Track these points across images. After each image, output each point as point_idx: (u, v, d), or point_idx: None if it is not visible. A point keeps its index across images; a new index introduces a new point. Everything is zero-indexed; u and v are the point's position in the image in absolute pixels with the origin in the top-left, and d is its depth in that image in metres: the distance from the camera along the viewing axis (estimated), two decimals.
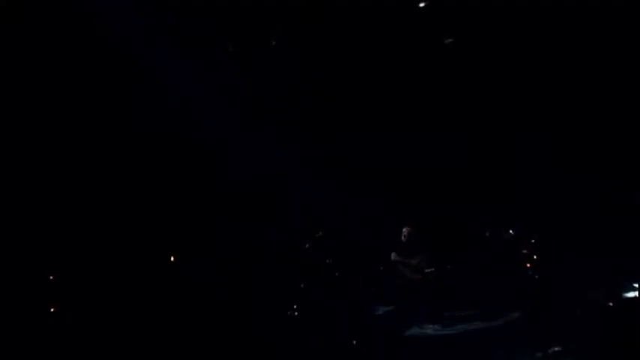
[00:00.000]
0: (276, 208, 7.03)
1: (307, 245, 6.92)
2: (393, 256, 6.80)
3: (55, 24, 6.86)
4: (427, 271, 6.69)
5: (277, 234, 6.94)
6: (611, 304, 6.70)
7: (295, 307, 6.76)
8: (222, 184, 7.03)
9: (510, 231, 7.02)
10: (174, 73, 6.93)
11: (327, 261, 6.92)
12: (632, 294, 6.72)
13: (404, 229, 6.80)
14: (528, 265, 6.93)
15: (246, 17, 7.01)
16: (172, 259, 6.93)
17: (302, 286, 6.83)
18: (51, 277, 6.89)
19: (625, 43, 6.94)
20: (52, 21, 6.86)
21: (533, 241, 6.99)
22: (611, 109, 7.05)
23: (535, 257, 6.95)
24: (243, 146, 7.05)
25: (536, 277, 6.88)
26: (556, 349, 6.61)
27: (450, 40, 7.24)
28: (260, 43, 7.11)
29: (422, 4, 7.17)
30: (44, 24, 6.85)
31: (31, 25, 6.85)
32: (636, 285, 6.72)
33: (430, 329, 6.57)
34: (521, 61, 7.14)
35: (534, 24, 7.07)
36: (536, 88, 7.14)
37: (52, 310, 6.75)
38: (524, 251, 6.97)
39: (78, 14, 6.84)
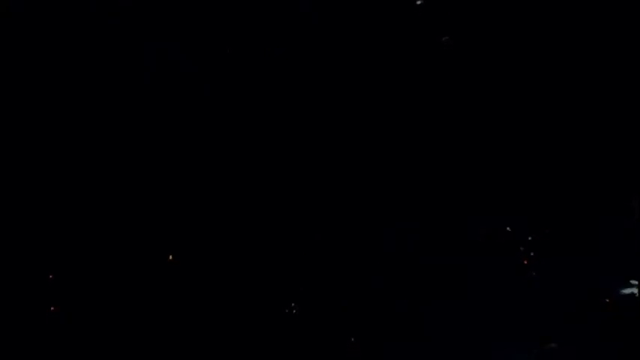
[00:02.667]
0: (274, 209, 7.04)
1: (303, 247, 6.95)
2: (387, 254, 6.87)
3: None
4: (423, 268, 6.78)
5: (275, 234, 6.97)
6: (607, 300, 6.75)
7: (292, 307, 6.80)
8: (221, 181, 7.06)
9: (507, 228, 7.05)
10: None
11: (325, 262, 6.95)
12: (629, 290, 6.75)
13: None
14: (525, 262, 6.96)
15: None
16: (171, 257, 6.97)
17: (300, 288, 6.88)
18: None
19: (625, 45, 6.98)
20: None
21: (530, 238, 7.01)
22: (608, 110, 7.06)
23: (532, 254, 6.98)
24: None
25: (533, 273, 6.90)
26: (552, 345, 6.65)
27: (447, 38, 7.25)
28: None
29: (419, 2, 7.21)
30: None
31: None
32: (634, 281, 6.76)
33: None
34: (513, 62, 7.17)
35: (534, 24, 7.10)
36: (533, 89, 7.16)
37: (51, 307, 6.78)
38: (521, 248, 7.00)
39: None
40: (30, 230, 6.89)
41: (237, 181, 6.99)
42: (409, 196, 7.00)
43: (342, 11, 7.07)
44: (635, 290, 6.73)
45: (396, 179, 7.06)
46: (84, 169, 6.99)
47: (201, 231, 6.93)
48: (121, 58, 6.95)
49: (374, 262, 6.88)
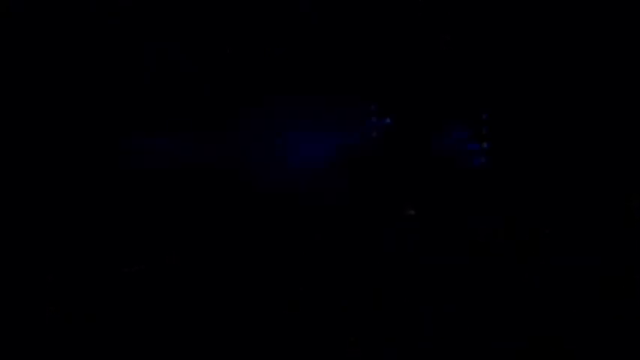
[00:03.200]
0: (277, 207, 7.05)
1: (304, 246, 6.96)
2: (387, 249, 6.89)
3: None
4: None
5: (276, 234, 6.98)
6: (607, 299, 6.76)
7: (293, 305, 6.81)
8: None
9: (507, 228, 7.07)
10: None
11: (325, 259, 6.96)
12: (628, 289, 6.76)
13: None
14: (525, 262, 6.97)
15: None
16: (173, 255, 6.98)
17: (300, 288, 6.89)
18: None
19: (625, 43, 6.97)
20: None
21: (529, 238, 7.03)
22: (609, 111, 7.07)
23: (532, 254, 6.99)
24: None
25: (534, 273, 6.91)
26: (552, 343, 6.67)
27: (447, 36, 7.26)
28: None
29: None
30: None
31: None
32: (634, 280, 6.77)
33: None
34: (513, 62, 7.17)
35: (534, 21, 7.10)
36: (534, 89, 7.17)
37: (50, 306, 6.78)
38: (521, 248, 7.01)
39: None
40: (30, 230, 6.90)
41: (238, 181, 7.00)
42: (409, 196, 7.03)
43: (342, 11, 7.08)
44: (635, 289, 6.75)
45: (395, 179, 7.08)
46: (84, 169, 7.00)
47: (201, 231, 6.94)
48: (121, 58, 6.96)
49: (374, 262, 6.90)
